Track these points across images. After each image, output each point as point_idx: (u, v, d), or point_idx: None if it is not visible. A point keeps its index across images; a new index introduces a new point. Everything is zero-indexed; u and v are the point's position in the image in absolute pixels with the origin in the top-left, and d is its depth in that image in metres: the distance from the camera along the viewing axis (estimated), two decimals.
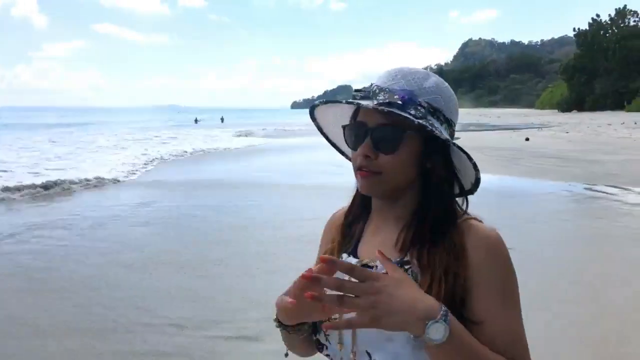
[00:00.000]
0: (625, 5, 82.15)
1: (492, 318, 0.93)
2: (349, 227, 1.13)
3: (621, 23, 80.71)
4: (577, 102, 77.81)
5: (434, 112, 0.99)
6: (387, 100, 0.97)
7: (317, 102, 1.11)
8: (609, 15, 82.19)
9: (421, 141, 0.99)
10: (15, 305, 4.70)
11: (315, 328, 1.06)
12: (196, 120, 67.43)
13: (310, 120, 1.17)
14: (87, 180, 12.53)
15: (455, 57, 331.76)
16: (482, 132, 31.99)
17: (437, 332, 0.82)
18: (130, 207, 9.41)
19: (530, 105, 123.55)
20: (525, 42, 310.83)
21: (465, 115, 74.95)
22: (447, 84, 1.04)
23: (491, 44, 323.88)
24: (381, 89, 1.00)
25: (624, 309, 4.45)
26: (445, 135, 0.98)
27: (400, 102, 0.96)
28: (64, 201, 10.30)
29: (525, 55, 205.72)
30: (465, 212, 1.03)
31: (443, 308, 0.84)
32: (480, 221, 1.01)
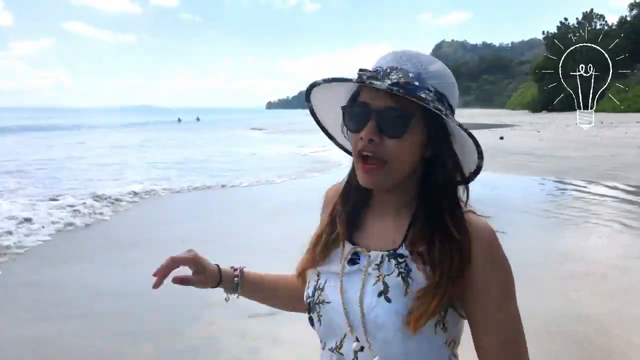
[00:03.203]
0: (592, 9, 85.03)
1: (488, 317, 0.92)
2: (349, 214, 1.05)
3: (588, 26, 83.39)
4: (547, 102, 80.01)
5: (440, 97, 0.92)
6: (400, 80, 0.88)
7: (319, 80, 0.98)
8: (577, 18, 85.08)
9: (424, 128, 0.92)
10: None
11: (309, 307, 1.04)
12: (179, 120, 68.31)
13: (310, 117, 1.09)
14: None
15: None
16: None
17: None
18: None
19: (502, 105, 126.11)
20: (497, 44, 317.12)
21: None
22: (449, 70, 0.97)
23: (463, 45, 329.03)
24: (393, 68, 0.91)
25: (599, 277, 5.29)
26: (452, 122, 0.90)
27: (416, 82, 0.89)
28: None
29: (496, 57, 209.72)
30: (465, 203, 0.97)
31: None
32: (475, 212, 0.97)
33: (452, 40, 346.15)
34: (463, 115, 77.36)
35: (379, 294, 0.93)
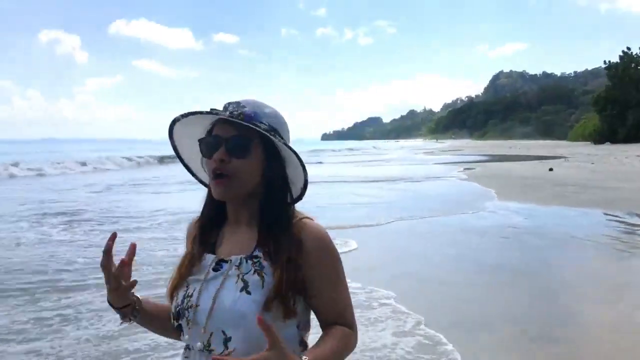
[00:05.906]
0: None
1: (325, 295, 1.21)
2: (204, 235, 1.29)
3: None
4: (609, 133, 77.12)
5: (274, 130, 1.21)
6: (237, 112, 1.18)
7: (178, 115, 1.25)
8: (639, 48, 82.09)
9: (262, 151, 1.21)
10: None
11: (177, 315, 1.22)
12: None
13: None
14: None
15: (485, 89, 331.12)
16: (509, 163, 32.87)
17: None
18: None
19: (564, 137, 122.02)
20: (558, 73, 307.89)
21: (495, 147, 75.04)
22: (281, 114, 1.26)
23: (522, 76, 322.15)
24: (231, 103, 1.20)
25: None
26: (281, 144, 1.20)
27: (251, 114, 1.18)
28: None
29: (557, 87, 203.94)
30: (298, 212, 1.27)
31: None
32: (312, 219, 1.26)
33: (511, 70, 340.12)
34: (519, 147, 75.58)
35: (241, 290, 1.16)
